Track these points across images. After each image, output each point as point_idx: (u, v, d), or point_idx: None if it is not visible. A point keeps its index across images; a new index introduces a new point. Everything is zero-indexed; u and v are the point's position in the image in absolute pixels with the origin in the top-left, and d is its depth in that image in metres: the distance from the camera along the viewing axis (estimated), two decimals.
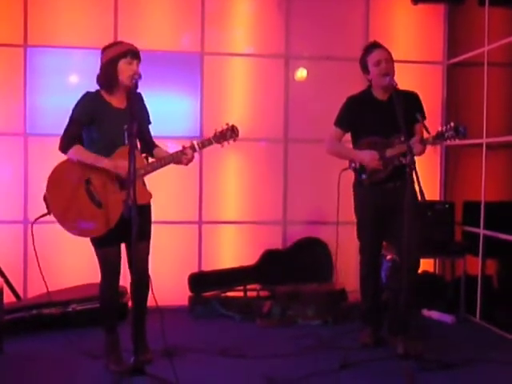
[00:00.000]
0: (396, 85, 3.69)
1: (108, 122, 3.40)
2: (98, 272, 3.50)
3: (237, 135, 3.59)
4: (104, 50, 3.49)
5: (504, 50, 4.69)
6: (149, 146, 3.63)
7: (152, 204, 3.57)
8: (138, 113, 3.40)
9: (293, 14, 5.22)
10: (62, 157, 3.59)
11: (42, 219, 3.52)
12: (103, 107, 3.43)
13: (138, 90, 3.50)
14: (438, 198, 5.37)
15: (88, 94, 3.46)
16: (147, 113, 3.64)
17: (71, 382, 3.44)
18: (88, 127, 3.43)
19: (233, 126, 3.57)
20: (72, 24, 4.92)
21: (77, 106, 3.43)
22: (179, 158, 3.48)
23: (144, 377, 3.15)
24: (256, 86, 5.24)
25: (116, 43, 3.54)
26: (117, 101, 3.47)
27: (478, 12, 4.90)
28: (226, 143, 3.58)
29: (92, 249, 3.48)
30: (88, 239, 3.47)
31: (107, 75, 3.42)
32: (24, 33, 4.87)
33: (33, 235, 3.58)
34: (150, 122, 3.67)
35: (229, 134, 3.56)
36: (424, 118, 3.84)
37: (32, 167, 4.91)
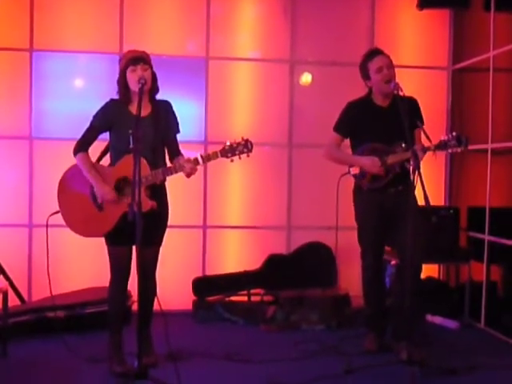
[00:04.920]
0: (401, 90, 3.69)
1: (126, 129, 3.42)
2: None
3: (250, 150, 3.42)
4: (119, 63, 3.54)
5: (510, 55, 4.68)
6: (173, 154, 3.61)
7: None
8: (160, 120, 3.51)
9: (298, 19, 5.22)
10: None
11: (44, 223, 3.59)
12: (123, 115, 3.49)
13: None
14: (442, 204, 5.36)
15: (111, 100, 3.56)
16: (176, 121, 3.64)
17: None
18: (109, 133, 3.55)
19: (247, 141, 3.41)
20: (77, 28, 4.94)
21: (97, 112, 3.55)
22: (181, 170, 3.44)
23: (147, 381, 3.15)
24: (261, 90, 5.24)
25: (125, 54, 3.55)
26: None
27: (483, 17, 4.89)
28: (236, 158, 3.42)
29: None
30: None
31: (120, 86, 3.50)
32: (30, 37, 4.89)
33: (47, 234, 3.67)
34: (178, 131, 3.65)
35: (240, 148, 3.40)
36: (422, 123, 3.85)
37: (37, 171, 4.92)
